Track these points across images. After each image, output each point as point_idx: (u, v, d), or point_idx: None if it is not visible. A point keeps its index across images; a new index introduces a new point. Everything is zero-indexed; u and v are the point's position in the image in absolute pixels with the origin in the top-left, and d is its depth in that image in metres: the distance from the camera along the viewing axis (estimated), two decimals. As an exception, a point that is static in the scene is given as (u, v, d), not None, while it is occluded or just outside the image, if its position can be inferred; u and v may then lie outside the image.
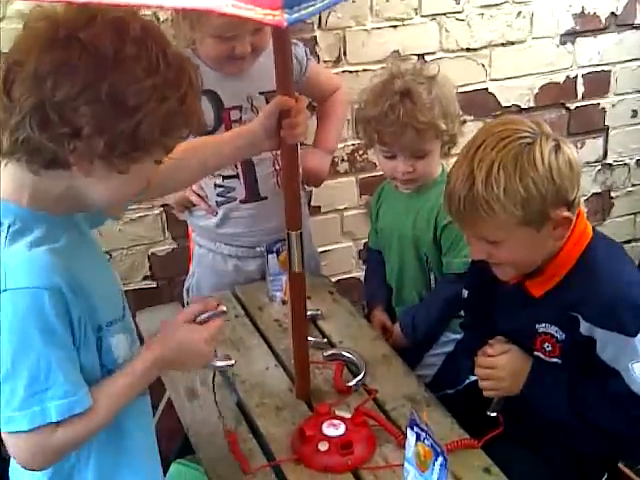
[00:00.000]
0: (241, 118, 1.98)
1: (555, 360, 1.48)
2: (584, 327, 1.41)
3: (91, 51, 1.01)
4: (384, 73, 1.92)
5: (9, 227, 1.10)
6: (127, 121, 1.03)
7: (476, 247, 1.48)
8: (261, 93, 1.98)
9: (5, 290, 1.06)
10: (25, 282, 1.06)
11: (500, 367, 1.53)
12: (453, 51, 2.62)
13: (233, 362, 1.44)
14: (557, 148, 1.38)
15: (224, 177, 2.02)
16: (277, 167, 2.04)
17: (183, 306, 2.16)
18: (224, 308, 1.30)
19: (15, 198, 1.11)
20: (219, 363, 1.42)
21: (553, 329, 1.47)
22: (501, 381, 1.53)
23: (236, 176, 2.03)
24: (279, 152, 1.98)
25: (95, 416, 1.13)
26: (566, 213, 1.40)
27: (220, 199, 2.05)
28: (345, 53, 2.49)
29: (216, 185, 2.04)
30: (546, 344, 1.49)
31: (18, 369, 1.07)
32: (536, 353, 1.51)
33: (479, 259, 1.50)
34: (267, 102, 1.95)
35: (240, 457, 1.48)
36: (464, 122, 1.95)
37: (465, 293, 1.69)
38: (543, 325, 1.48)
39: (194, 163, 1.50)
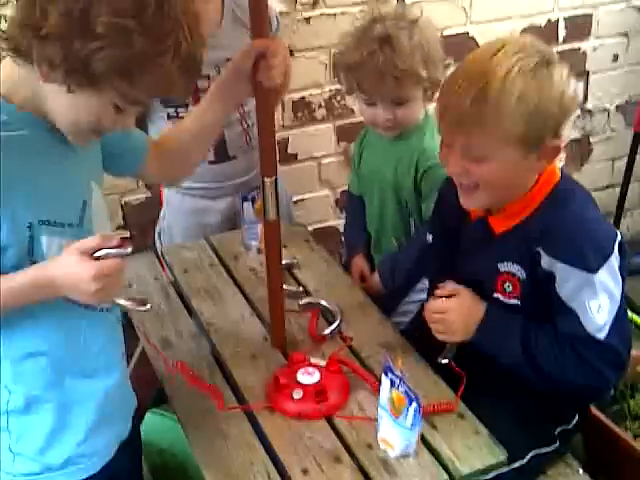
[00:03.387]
0: (208, 87, 1.96)
1: (514, 301, 1.47)
2: (545, 261, 1.39)
3: None
4: (365, 17, 1.86)
5: None
6: (84, 43, 1.02)
7: (455, 160, 1.41)
8: (228, 60, 1.94)
9: None
10: None
11: (451, 310, 1.50)
12: (433, -7, 2.56)
13: (147, 307, 1.28)
14: (570, 76, 1.37)
15: None
16: (245, 126, 2.05)
17: (156, 253, 2.14)
18: (129, 250, 1.16)
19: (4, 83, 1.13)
20: (124, 302, 1.26)
21: (515, 267, 1.45)
22: (452, 324, 1.50)
23: None
24: (246, 109, 2.00)
25: None
26: (557, 141, 1.38)
27: None
28: (322, -5, 2.43)
29: None
30: (507, 284, 1.47)
31: None
32: (496, 295, 1.49)
33: (455, 175, 1.45)
34: None
35: (201, 385, 1.48)
36: (448, 66, 1.89)
37: (429, 238, 1.67)
38: (505, 264, 1.46)
39: (191, 147, 1.48)
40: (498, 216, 1.48)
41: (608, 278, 1.38)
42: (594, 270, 1.37)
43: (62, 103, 1.12)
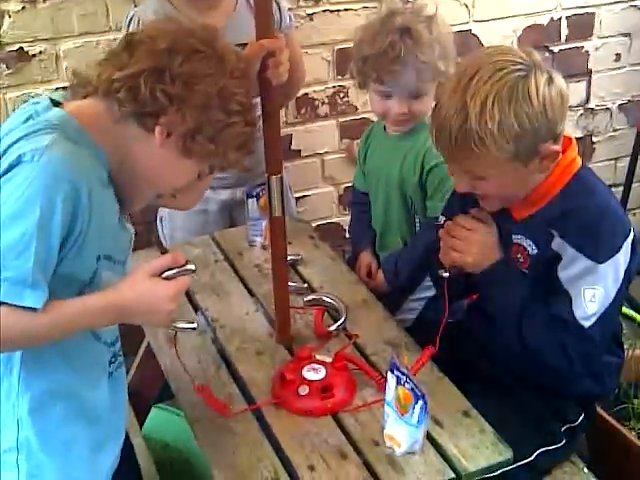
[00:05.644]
0: None
1: (524, 271, 1.49)
2: (556, 243, 1.42)
3: (219, 55, 1.20)
4: (382, 10, 1.86)
5: (60, 128, 1.13)
6: (222, 118, 1.18)
7: (461, 180, 1.46)
8: (237, 45, 1.95)
9: (32, 161, 1.07)
10: (55, 165, 1.07)
11: (478, 232, 1.51)
12: (436, -9, 2.55)
13: (195, 325, 1.36)
14: (550, 80, 1.37)
15: None
16: None
17: (159, 239, 2.15)
18: (193, 266, 1.23)
19: (89, 126, 1.17)
20: (182, 325, 1.32)
21: (527, 242, 1.47)
22: (472, 245, 1.50)
23: None
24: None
25: (37, 322, 1.09)
26: (555, 147, 1.39)
27: None
28: (326, -8, 2.43)
29: None
30: (519, 255, 1.49)
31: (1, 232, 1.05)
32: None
33: (463, 192, 1.49)
34: None
35: (218, 406, 1.48)
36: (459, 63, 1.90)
37: (442, 220, 1.65)
38: (518, 237, 1.49)
39: None
40: (517, 205, 1.50)
41: (610, 273, 1.40)
42: (600, 261, 1.38)
43: (162, 163, 1.21)
